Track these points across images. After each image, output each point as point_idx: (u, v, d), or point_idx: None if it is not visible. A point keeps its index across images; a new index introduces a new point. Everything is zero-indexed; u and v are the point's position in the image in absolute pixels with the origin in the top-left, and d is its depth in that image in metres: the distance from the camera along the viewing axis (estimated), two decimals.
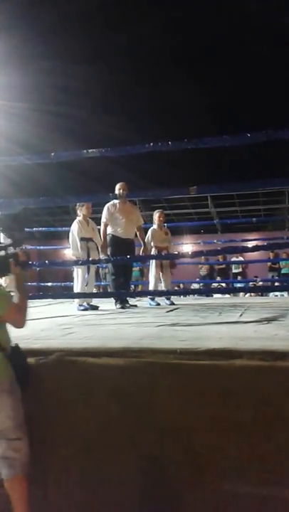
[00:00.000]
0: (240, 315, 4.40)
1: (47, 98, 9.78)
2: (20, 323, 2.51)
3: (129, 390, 2.53)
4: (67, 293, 5.38)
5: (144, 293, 6.85)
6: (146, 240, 6.11)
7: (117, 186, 5.65)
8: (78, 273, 5.59)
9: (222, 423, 2.39)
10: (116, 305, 5.62)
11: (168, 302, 6.19)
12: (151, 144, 4.04)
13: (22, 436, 2.41)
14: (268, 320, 3.88)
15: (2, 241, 2.93)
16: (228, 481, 2.36)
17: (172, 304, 6.12)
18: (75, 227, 5.64)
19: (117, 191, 5.57)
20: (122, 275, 5.71)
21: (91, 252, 5.61)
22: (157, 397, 2.50)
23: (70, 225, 5.81)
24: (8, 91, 8.45)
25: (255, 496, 2.32)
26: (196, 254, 5.74)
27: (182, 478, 2.43)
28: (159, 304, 6.11)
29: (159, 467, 2.47)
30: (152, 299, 6.21)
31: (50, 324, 3.83)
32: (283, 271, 13.87)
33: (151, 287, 6.33)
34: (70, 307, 5.58)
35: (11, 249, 2.56)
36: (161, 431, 2.47)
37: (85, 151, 4.21)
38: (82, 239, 5.61)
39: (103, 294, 5.95)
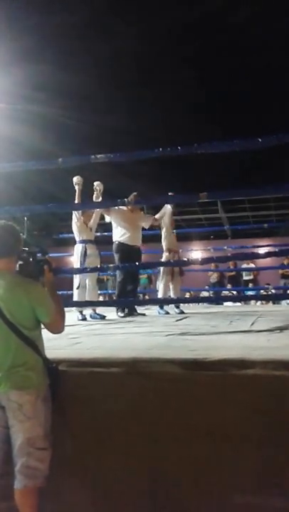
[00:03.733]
0: (252, 324, 4.30)
1: (49, 101, 9.83)
2: (61, 328, 2.52)
3: (138, 402, 2.46)
4: (74, 301, 5.29)
5: (153, 301, 6.77)
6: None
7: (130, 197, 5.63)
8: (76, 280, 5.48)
9: (229, 434, 2.32)
10: (118, 313, 5.55)
11: (177, 311, 6.08)
12: (160, 149, 3.99)
13: (48, 447, 2.35)
14: (281, 329, 3.77)
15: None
16: (235, 493, 2.29)
17: (182, 312, 6.01)
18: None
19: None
20: (129, 282, 5.64)
21: (89, 258, 5.47)
22: (163, 407, 2.42)
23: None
24: (10, 94, 8.50)
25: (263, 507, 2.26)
26: (205, 260, 5.65)
27: (187, 489, 2.37)
28: (168, 313, 6.02)
29: (172, 480, 2.39)
30: (161, 307, 6.13)
31: None
32: None
33: (160, 295, 6.24)
34: (76, 316, 5.51)
35: (39, 256, 2.56)
36: (167, 441, 2.41)
37: (93, 156, 4.17)
38: (81, 241, 5.54)
39: (111, 303, 5.87)
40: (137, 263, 5.62)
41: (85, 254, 5.44)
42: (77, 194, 5.54)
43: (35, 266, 2.49)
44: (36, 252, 2.57)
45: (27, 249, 2.60)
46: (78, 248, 5.54)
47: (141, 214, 6.16)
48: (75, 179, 5.55)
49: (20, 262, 2.48)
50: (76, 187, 5.53)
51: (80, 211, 5.58)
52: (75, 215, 5.58)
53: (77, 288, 5.40)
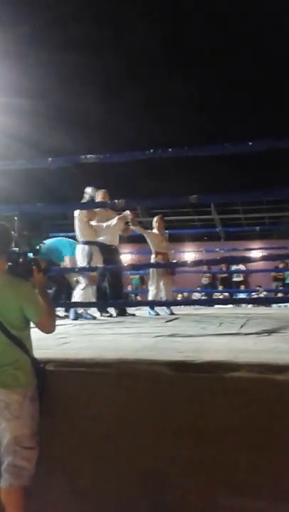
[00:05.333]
0: (241, 326, 4.33)
1: (47, 97, 9.81)
2: (52, 327, 2.52)
3: (125, 403, 2.46)
4: (64, 302, 5.29)
5: (143, 303, 6.77)
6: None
7: (101, 195, 5.65)
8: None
9: (216, 435, 2.33)
10: (102, 314, 5.57)
11: (168, 312, 6.10)
12: (151, 150, 4.00)
13: (35, 446, 2.36)
14: (269, 332, 3.80)
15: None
16: (224, 495, 2.30)
17: (172, 313, 6.03)
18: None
19: (100, 199, 5.55)
20: (104, 282, 5.65)
21: (93, 258, 5.46)
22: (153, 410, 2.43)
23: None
24: (8, 87, 8.46)
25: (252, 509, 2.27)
26: (194, 263, 5.68)
27: (176, 489, 2.37)
28: (158, 314, 6.02)
29: (158, 481, 2.40)
30: (152, 308, 6.13)
31: None
32: (288, 280, 13.70)
33: (151, 297, 6.24)
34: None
35: (30, 256, 2.55)
36: (154, 441, 2.41)
37: (83, 156, 4.18)
38: (84, 242, 5.53)
39: (104, 304, 5.85)
40: (117, 263, 5.68)
41: (90, 255, 5.41)
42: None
43: (23, 266, 2.49)
44: (26, 252, 2.57)
45: (17, 249, 2.60)
46: (83, 248, 5.49)
47: (114, 213, 6.14)
48: (90, 190, 5.54)
49: (9, 263, 2.48)
50: (87, 196, 5.52)
51: (84, 211, 5.50)
52: (78, 215, 5.54)
53: (83, 289, 5.38)
